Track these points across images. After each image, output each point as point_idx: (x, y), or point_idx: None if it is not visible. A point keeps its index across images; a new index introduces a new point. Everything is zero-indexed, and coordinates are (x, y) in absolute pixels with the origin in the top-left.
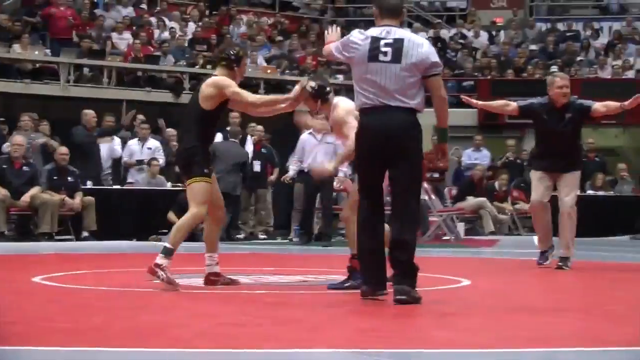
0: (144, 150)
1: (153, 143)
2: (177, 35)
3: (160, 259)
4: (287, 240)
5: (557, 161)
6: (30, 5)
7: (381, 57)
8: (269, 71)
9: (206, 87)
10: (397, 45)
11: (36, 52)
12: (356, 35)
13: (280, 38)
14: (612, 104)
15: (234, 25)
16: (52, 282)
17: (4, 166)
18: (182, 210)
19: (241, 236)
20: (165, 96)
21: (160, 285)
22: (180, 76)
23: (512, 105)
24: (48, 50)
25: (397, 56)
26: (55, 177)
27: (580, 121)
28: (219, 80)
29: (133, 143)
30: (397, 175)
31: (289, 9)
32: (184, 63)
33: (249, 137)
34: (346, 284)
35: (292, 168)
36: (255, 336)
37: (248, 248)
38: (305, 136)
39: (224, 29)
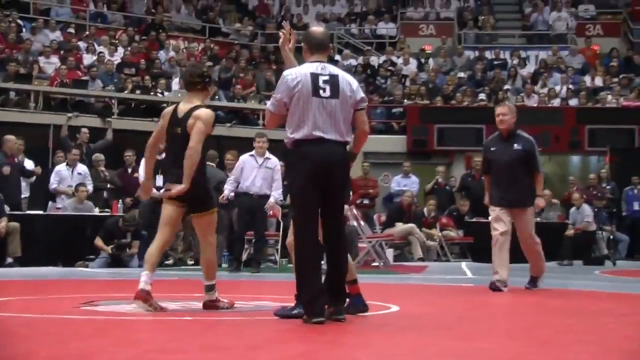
0: (74, 175)
1: (82, 168)
2: (106, 60)
3: (210, 296)
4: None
5: (509, 193)
6: None
7: (321, 93)
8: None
9: (195, 121)
10: (334, 81)
11: None
12: (291, 73)
13: (210, 63)
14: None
15: (164, 50)
16: None
17: None
18: (109, 236)
19: (170, 262)
20: (94, 121)
21: (83, 312)
22: (108, 101)
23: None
24: None
25: (335, 92)
26: None
27: (526, 158)
28: (209, 117)
29: (62, 168)
30: (336, 205)
31: (219, 34)
32: (112, 88)
33: None
34: (294, 312)
35: (228, 188)
36: None
37: (177, 274)
38: (245, 157)
39: (153, 54)
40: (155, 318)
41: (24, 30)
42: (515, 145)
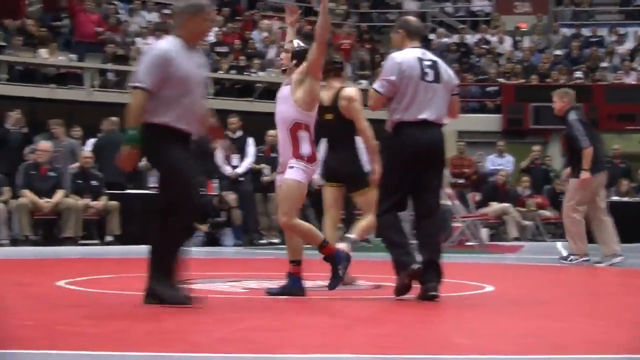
0: None
1: None
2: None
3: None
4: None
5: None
6: (55, 10)
7: (426, 77)
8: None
9: (349, 102)
10: (435, 66)
11: (61, 58)
12: (399, 56)
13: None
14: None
15: (258, 30)
16: (75, 287)
17: (31, 172)
18: (204, 215)
19: (263, 241)
20: None
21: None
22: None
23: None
24: (74, 56)
25: (437, 76)
26: (79, 181)
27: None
28: (359, 93)
29: None
30: (433, 185)
31: (313, 14)
32: (207, 68)
33: (250, 139)
34: (285, 290)
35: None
36: (275, 341)
37: (269, 253)
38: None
39: (247, 34)
40: (251, 297)
41: (121, 12)
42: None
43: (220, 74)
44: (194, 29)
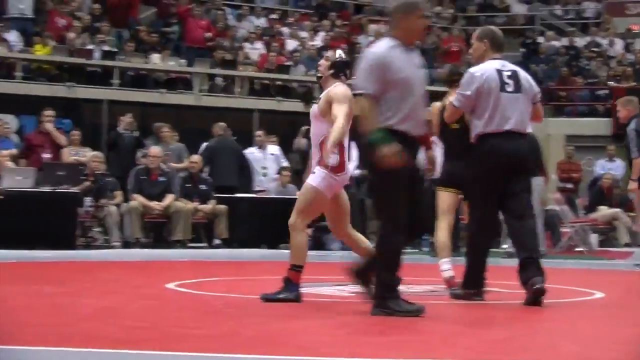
0: (266, 156)
1: (273, 149)
2: (308, 45)
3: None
4: (417, 250)
5: None
6: (166, 16)
7: (507, 88)
8: None
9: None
10: (515, 76)
11: (171, 63)
12: (477, 70)
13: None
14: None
15: (365, 34)
16: (184, 289)
17: (142, 177)
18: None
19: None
20: (295, 105)
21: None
22: (310, 85)
23: None
24: (183, 61)
25: (517, 86)
26: (188, 185)
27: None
28: None
29: (252, 150)
30: (520, 189)
31: (377, 13)
32: (315, 72)
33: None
34: (280, 295)
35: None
36: (383, 345)
37: None
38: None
39: (353, 38)
40: (356, 301)
41: (229, 17)
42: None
43: None
44: (409, 27)
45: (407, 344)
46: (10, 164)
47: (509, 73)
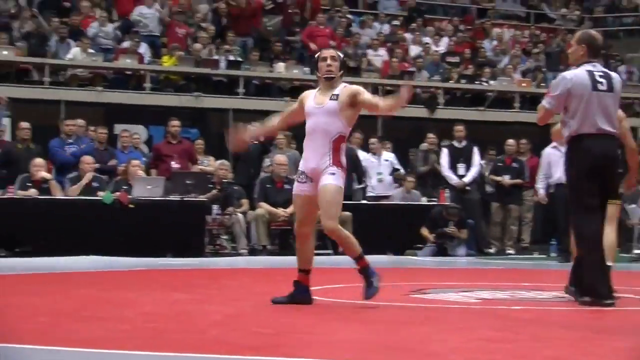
0: (381, 162)
1: (389, 155)
2: (431, 50)
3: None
4: (545, 256)
5: None
6: (290, 25)
7: (599, 87)
8: (523, 84)
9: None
10: (608, 76)
11: (295, 71)
12: (569, 74)
13: (536, 50)
14: None
15: (488, 39)
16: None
17: (267, 185)
18: (434, 225)
19: (492, 251)
20: (419, 111)
21: (412, 300)
22: (434, 91)
23: None
24: (307, 69)
25: (610, 86)
26: None
27: None
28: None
29: (367, 157)
30: (609, 192)
31: (544, 20)
32: (438, 78)
33: (475, 148)
34: (292, 298)
35: (541, 186)
36: (511, 352)
37: (501, 264)
38: (548, 150)
39: (477, 43)
40: (483, 307)
41: (353, 24)
42: None
43: (451, 84)
44: None
45: (536, 351)
46: (141, 174)
47: (601, 73)
